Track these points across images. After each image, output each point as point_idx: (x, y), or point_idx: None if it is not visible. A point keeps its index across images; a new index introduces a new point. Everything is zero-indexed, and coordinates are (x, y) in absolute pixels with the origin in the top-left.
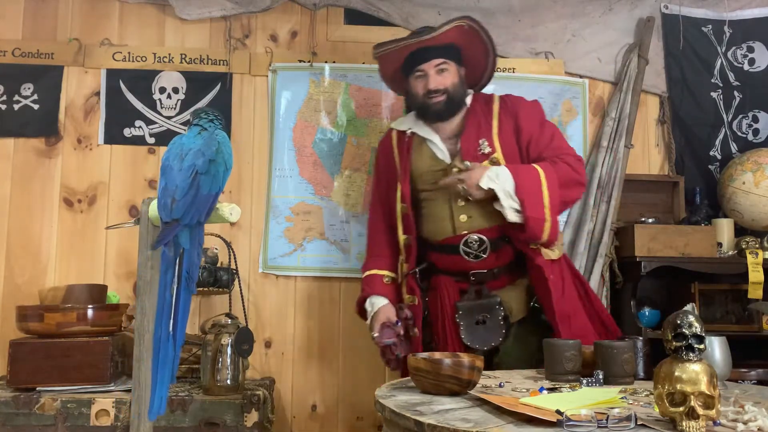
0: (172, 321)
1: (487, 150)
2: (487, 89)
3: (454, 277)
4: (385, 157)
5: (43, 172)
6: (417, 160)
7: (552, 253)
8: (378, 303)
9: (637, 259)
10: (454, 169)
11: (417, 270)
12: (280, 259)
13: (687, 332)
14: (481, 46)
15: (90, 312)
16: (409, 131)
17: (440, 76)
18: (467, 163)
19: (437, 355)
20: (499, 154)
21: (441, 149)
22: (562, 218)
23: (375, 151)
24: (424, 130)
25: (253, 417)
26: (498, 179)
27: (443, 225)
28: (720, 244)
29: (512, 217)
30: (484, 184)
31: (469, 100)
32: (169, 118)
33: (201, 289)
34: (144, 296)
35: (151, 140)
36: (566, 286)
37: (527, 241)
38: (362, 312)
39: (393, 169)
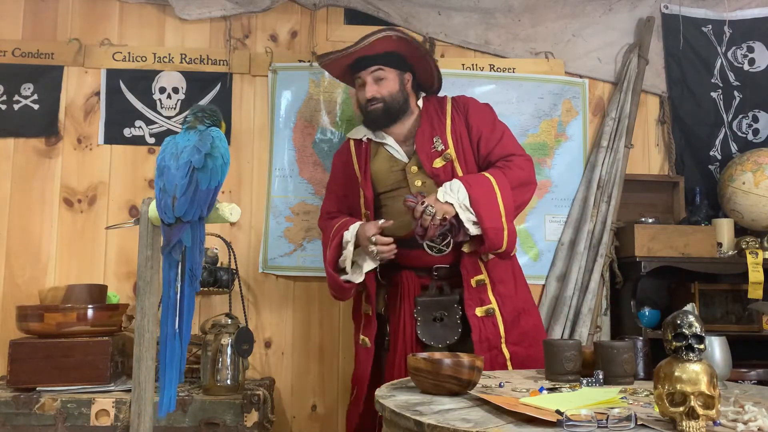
0: (177, 319)
1: (441, 147)
2: (488, 89)
3: (416, 272)
4: (344, 166)
5: (43, 172)
6: (375, 164)
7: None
8: (353, 228)
9: (637, 259)
10: (409, 203)
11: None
12: (280, 259)
13: (687, 332)
14: (417, 52)
15: (90, 312)
16: (365, 138)
17: (377, 85)
18: (417, 195)
19: (437, 355)
20: (452, 150)
21: (397, 150)
22: (562, 218)
23: (331, 163)
24: (378, 135)
25: (253, 417)
26: (452, 192)
27: (406, 219)
28: (720, 244)
29: (472, 229)
30: (441, 197)
31: (420, 102)
32: (169, 118)
33: (201, 289)
34: (144, 296)
35: (151, 140)
36: (519, 285)
37: (488, 251)
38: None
39: (353, 178)
